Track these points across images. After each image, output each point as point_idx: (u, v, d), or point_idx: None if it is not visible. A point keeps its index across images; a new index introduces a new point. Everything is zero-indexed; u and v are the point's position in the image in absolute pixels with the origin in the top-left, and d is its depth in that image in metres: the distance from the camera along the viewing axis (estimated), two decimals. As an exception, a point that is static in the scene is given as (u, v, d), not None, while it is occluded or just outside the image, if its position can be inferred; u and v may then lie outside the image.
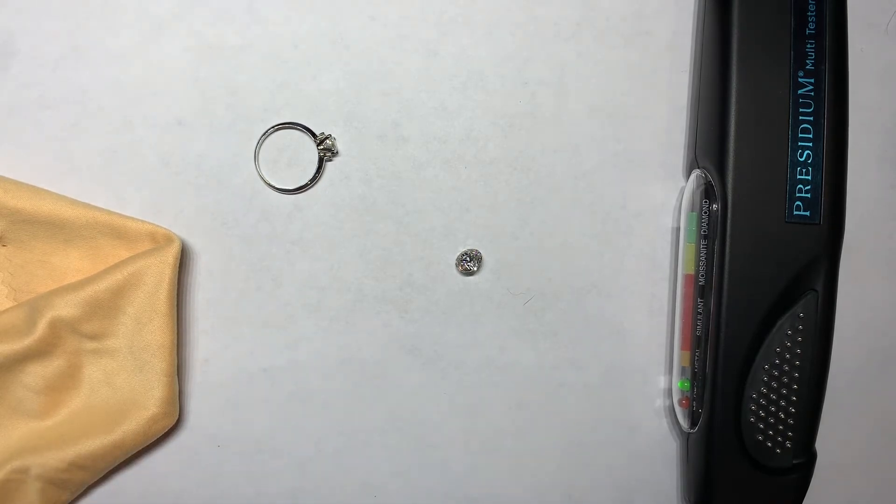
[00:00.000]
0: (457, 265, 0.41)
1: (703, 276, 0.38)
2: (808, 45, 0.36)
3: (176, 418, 0.39)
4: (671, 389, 0.40)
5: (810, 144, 0.35)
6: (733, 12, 0.36)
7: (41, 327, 0.37)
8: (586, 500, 0.42)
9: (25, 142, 0.40)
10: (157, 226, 0.38)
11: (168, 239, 0.38)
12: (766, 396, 0.36)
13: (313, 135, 0.40)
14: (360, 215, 0.40)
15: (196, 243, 0.40)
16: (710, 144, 0.37)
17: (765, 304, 0.36)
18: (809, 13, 0.36)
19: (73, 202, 0.38)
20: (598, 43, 0.40)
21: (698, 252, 0.38)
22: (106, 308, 0.38)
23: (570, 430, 0.41)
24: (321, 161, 0.40)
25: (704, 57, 0.38)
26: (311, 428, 0.41)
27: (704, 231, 0.38)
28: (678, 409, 0.40)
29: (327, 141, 0.40)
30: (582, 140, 0.41)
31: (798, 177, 0.35)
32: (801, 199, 0.35)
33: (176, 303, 0.39)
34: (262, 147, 0.40)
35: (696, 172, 0.38)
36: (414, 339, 0.41)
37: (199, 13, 0.40)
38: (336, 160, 0.40)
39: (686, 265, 0.39)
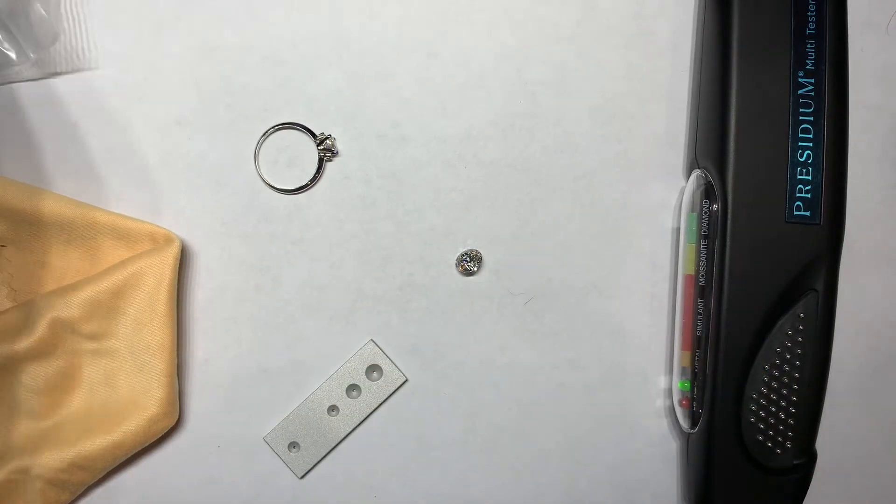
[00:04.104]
0: (457, 265, 0.41)
1: (703, 276, 0.38)
2: (808, 45, 0.36)
3: (176, 418, 0.39)
4: (671, 389, 0.40)
5: (810, 144, 0.35)
6: (733, 12, 0.36)
7: (41, 328, 0.37)
8: (586, 500, 0.42)
9: (26, 142, 0.40)
10: (157, 226, 0.38)
11: (168, 239, 0.38)
12: (766, 396, 0.36)
13: (313, 135, 0.40)
14: (360, 215, 0.40)
15: (196, 243, 0.40)
16: (710, 144, 0.37)
17: (765, 304, 0.36)
18: (809, 13, 0.36)
19: (73, 202, 0.38)
20: (598, 43, 0.40)
21: (698, 252, 0.38)
22: (106, 308, 0.38)
23: (570, 430, 0.41)
24: (321, 161, 0.40)
25: (704, 57, 0.38)
26: (311, 428, 0.41)
27: (704, 231, 0.38)
28: (678, 409, 0.40)
29: (327, 141, 0.40)
30: (582, 140, 0.41)
31: (798, 177, 0.35)
32: (801, 199, 0.35)
33: (176, 303, 0.39)
34: (262, 147, 0.40)
35: (696, 172, 0.38)
36: (414, 339, 0.41)
37: (199, 13, 0.40)
38: (336, 160, 0.40)
39: (686, 265, 0.39)
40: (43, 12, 0.38)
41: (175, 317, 0.39)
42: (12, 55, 0.38)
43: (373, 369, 0.41)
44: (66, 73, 0.39)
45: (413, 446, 0.41)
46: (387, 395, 0.41)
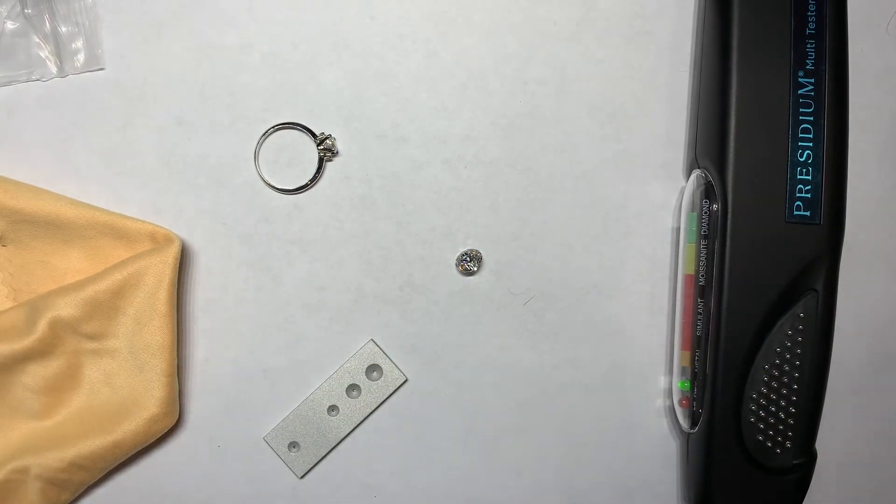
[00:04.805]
0: (457, 265, 0.41)
1: (703, 276, 0.38)
2: (808, 45, 0.36)
3: (176, 418, 0.39)
4: (671, 389, 0.40)
5: (810, 144, 0.35)
6: (733, 12, 0.36)
7: (41, 327, 0.37)
8: (586, 500, 0.42)
9: (25, 142, 0.40)
10: (157, 226, 0.38)
11: (168, 239, 0.38)
12: (766, 396, 0.36)
13: (313, 135, 0.40)
14: (360, 215, 0.40)
15: (196, 243, 0.40)
16: (710, 144, 0.37)
17: (765, 304, 0.36)
18: (809, 13, 0.36)
19: (73, 202, 0.38)
20: (598, 43, 0.40)
21: (698, 252, 0.38)
22: (106, 308, 0.38)
23: (570, 430, 0.41)
24: (321, 161, 0.40)
25: (704, 57, 0.38)
26: (311, 428, 0.41)
27: (704, 231, 0.38)
28: (678, 409, 0.40)
29: (327, 141, 0.40)
30: (582, 140, 0.41)
31: (798, 177, 0.35)
32: (801, 199, 0.35)
33: (176, 303, 0.39)
34: (262, 147, 0.40)
35: (696, 172, 0.38)
36: (414, 339, 0.41)
37: (199, 13, 0.40)
38: (336, 160, 0.40)
39: (686, 265, 0.39)
40: (68, 17, 0.38)
41: (175, 316, 0.39)
42: (45, 56, 0.38)
43: (373, 369, 0.41)
44: (75, 73, 0.39)
45: (413, 446, 0.41)
46: (387, 395, 0.41)
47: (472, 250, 0.40)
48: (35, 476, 0.37)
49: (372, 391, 0.40)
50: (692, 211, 0.39)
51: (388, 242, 0.41)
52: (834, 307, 0.36)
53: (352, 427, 0.41)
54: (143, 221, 0.39)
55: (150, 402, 0.38)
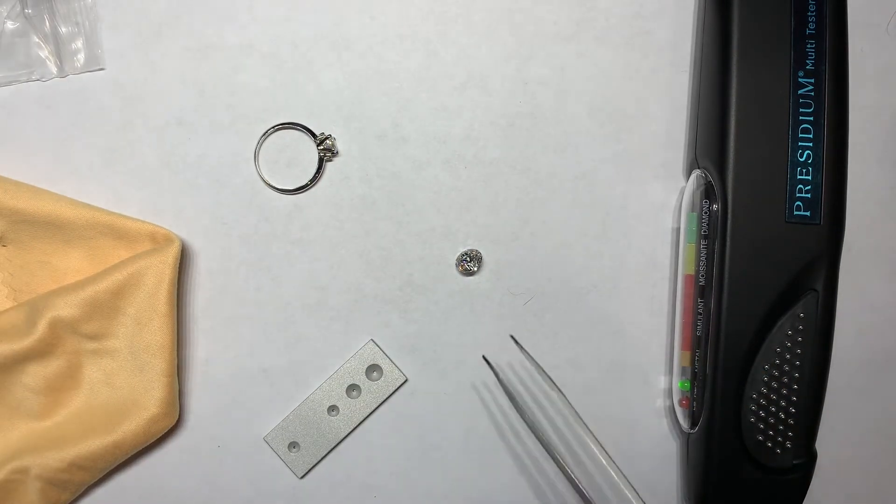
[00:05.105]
0: (457, 265, 0.41)
1: (703, 276, 0.38)
2: (808, 45, 0.36)
3: (176, 418, 0.39)
4: (671, 389, 0.40)
5: (810, 144, 0.35)
6: (733, 12, 0.36)
7: (41, 327, 0.37)
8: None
9: (25, 142, 0.40)
10: (157, 226, 0.38)
11: (168, 239, 0.38)
12: (766, 396, 0.36)
13: (313, 135, 0.40)
14: (360, 215, 0.40)
15: (196, 243, 0.40)
16: (710, 144, 0.37)
17: (765, 304, 0.36)
18: (809, 13, 0.36)
19: (73, 202, 0.38)
20: (598, 43, 0.40)
21: (698, 252, 0.38)
22: (106, 308, 0.38)
23: (571, 430, 0.41)
24: (321, 161, 0.40)
25: (704, 57, 0.38)
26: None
27: (704, 231, 0.38)
28: (678, 409, 0.40)
29: (327, 141, 0.40)
30: (582, 140, 0.41)
31: (798, 177, 0.35)
32: (801, 199, 0.35)
33: (176, 303, 0.39)
34: (262, 147, 0.40)
35: (696, 172, 0.38)
36: (414, 339, 0.41)
37: (199, 13, 0.40)
38: (336, 160, 0.40)
39: (686, 265, 0.39)
40: (67, 17, 0.38)
41: (175, 317, 0.39)
42: (45, 56, 0.38)
43: (373, 369, 0.41)
44: (75, 73, 0.39)
45: (413, 446, 0.41)
46: (387, 395, 0.41)
47: (472, 250, 0.40)
48: (35, 476, 0.37)
49: (372, 391, 0.40)
50: (692, 211, 0.39)
51: (388, 242, 0.41)
52: (834, 307, 0.36)
53: (352, 427, 0.41)
54: (143, 221, 0.39)
55: (150, 402, 0.38)
